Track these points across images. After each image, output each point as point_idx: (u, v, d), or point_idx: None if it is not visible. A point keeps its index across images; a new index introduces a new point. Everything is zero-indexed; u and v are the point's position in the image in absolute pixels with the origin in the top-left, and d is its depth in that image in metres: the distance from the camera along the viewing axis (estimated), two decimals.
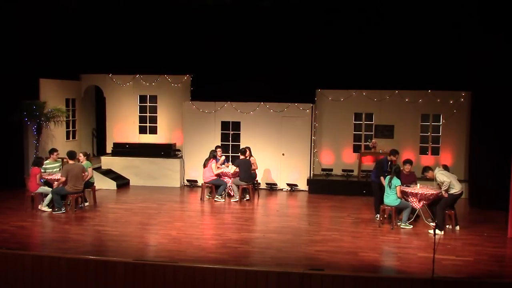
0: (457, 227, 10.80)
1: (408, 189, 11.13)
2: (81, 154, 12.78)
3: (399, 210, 11.01)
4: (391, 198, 10.91)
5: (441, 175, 10.65)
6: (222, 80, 15.40)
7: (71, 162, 12.00)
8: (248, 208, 12.95)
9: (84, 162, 12.57)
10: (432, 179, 11.17)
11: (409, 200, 11.13)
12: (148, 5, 15.20)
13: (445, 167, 11.13)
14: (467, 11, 13.01)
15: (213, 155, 13.68)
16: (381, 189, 11.44)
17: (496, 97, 12.50)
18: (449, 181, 10.52)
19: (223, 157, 14.09)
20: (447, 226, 10.80)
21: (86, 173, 12.27)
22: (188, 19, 15.45)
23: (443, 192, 10.60)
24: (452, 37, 13.99)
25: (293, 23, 14.88)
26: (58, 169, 12.76)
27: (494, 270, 8.47)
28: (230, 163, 14.38)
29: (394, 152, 11.80)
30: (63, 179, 11.85)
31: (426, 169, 11.14)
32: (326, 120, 15.67)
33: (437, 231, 10.44)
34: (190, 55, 15.78)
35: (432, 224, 10.48)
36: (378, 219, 11.53)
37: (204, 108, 15.50)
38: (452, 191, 10.56)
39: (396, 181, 10.85)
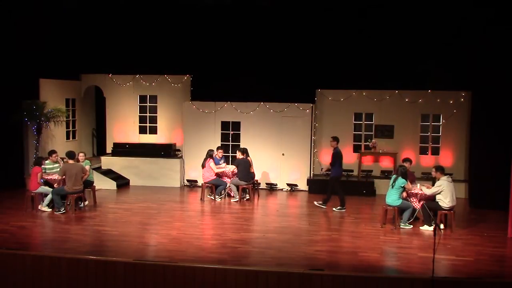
0: (441, 225, 10.74)
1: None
2: (81, 154, 12.81)
3: (401, 210, 11.01)
4: (392, 198, 10.90)
5: (443, 181, 10.61)
6: (222, 80, 15.41)
7: (70, 162, 12.01)
8: (248, 208, 12.95)
9: (83, 161, 12.59)
10: (434, 178, 11.15)
11: (409, 200, 11.13)
12: (148, 5, 15.21)
13: (441, 168, 11.00)
14: (467, 11, 13.00)
15: (209, 155, 13.68)
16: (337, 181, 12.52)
17: (496, 97, 12.50)
18: (441, 191, 10.53)
19: (223, 161, 14.11)
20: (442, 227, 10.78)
21: (87, 173, 12.27)
22: (188, 19, 15.45)
23: (427, 190, 10.72)
24: (452, 37, 13.99)
25: (293, 23, 14.88)
26: (57, 169, 12.75)
27: (494, 270, 8.46)
28: (226, 164, 14.33)
29: (335, 138, 12.73)
30: (60, 178, 11.91)
31: (439, 168, 10.95)
32: (326, 120, 15.68)
33: (426, 227, 10.68)
34: (190, 55, 15.79)
35: (432, 224, 10.47)
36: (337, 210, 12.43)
37: (204, 108, 15.50)
38: (440, 202, 10.58)
39: (401, 181, 10.82)
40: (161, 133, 16.85)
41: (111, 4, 15.09)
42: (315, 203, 12.92)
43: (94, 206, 12.68)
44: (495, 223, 11.35)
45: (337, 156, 12.60)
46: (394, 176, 11.05)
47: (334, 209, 12.58)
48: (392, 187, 10.91)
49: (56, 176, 12.33)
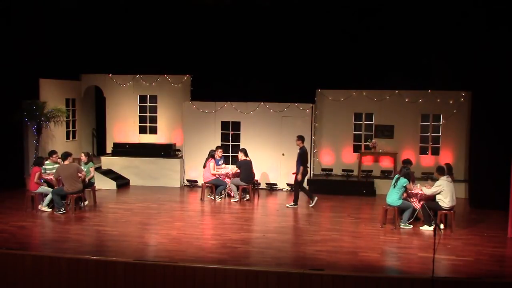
0: (441, 225, 10.72)
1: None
2: (82, 154, 12.82)
3: (401, 210, 11.00)
4: (393, 198, 10.89)
5: (442, 181, 10.62)
6: (222, 80, 15.42)
7: (65, 162, 11.99)
8: (248, 208, 12.95)
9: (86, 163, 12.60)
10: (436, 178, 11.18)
11: (409, 200, 11.13)
12: (148, 5, 15.21)
13: (449, 167, 11.07)
14: (468, 11, 13.01)
15: (211, 155, 13.69)
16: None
17: (496, 97, 12.50)
18: (440, 191, 10.54)
19: (222, 161, 14.13)
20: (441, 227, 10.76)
21: (83, 173, 12.21)
22: (188, 19, 15.45)
23: (427, 190, 10.73)
24: (452, 36, 13.99)
25: (293, 23, 14.88)
26: None
27: (494, 270, 8.46)
28: (225, 164, 14.33)
29: (300, 137, 12.96)
30: (54, 180, 11.97)
31: (439, 168, 11.01)
32: (326, 120, 15.68)
33: (426, 227, 10.70)
34: (190, 55, 15.79)
35: (433, 224, 10.47)
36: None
37: (204, 108, 15.50)
38: (440, 202, 10.59)
39: (403, 181, 10.81)
40: (161, 133, 16.85)
41: (111, 4, 15.09)
42: (287, 205, 13.00)
43: (94, 206, 12.68)
44: (495, 223, 11.35)
45: (304, 155, 12.83)
46: (396, 176, 11.05)
47: (287, 205, 13.02)
48: (394, 187, 10.91)
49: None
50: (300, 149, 12.92)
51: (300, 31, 14.92)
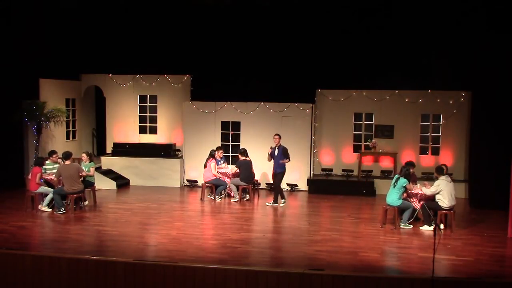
0: (441, 225, 10.71)
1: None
2: (84, 154, 12.82)
3: (401, 210, 11.00)
4: (393, 198, 10.88)
5: (441, 181, 10.63)
6: (222, 80, 15.42)
7: (67, 162, 11.99)
8: (248, 208, 12.95)
9: (87, 163, 12.60)
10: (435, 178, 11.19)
11: (409, 200, 11.13)
12: (148, 5, 15.22)
13: (440, 169, 11.07)
14: (468, 11, 13.01)
15: (212, 155, 13.70)
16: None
17: (496, 97, 12.50)
18: (439, 190, 10.54)
19: (223, 161, 14.14)
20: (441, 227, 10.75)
21: (84, 173, 12.19)
22: (188, 19, 15.46)
23: (426, 190, 10.73)
24: (452, 36, 13.99)
25: (293, 23, 14.89)
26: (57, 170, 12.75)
27: (494, 270, 8.46)
28: (226, 164, 14.35)
29: (279, 135, 13.19)
30: (55, 179, 11.98)
31: (437, 168, 11.03)
32: (326, 120, 15.68)
33: (426, 227, 10.69)
34: (190, 55, 15.80)
35: (432, 225, 10.47)
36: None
37: (204, 108, 15.50)
38: (440, 202, 10.59)
39: (403, 181, 10.82)
40: (161, 133, 16.85)
41: (111, 4, 15.10)
42: (280, 205, 13.01)
43: (94, 206, 12.68)
44: (495, 223, 11.35)
45: (287, 153, 12.98)
46: (396, 176, 11.05)
47: (267, 203, 13.12)
48: (394, 186, 10.91)
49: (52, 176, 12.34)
50: (279, 146, 13.03)
51: (300, 31, 14.92)
